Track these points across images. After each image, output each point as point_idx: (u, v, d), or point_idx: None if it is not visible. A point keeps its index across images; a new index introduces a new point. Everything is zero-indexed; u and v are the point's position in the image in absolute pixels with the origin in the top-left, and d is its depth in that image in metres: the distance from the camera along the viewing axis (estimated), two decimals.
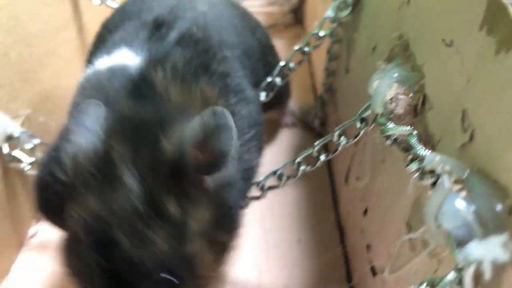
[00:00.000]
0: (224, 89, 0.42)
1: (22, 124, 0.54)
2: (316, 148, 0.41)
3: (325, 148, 0.42)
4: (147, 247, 0.32)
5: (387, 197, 0.39)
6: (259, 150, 0.45)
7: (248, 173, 0.43)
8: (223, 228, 0.37)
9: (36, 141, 0.54)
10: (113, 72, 0.42)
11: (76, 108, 0.39)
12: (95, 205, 0.33)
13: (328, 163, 0.65)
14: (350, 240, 0.52)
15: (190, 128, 0.33)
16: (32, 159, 0.53)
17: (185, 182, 0.33)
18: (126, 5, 0.56)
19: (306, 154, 0.41)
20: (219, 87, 0.42)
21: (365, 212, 0.45)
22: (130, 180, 0.33)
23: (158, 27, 0.47)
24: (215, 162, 0.33)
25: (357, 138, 0.38)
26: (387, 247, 0.38)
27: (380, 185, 0.41)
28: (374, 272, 0.42)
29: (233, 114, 0.35)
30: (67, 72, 0.66)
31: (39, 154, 0.54)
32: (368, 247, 0.44)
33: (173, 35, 0.45)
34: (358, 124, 0.38)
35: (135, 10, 0.52)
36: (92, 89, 0.42)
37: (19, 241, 0.57)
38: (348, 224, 0.54)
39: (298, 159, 0.42)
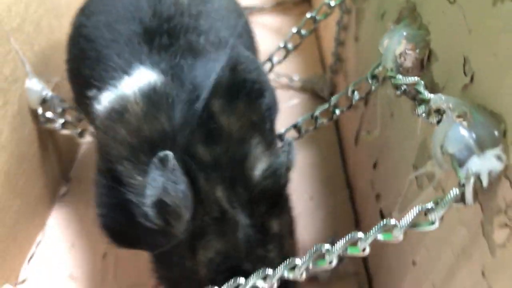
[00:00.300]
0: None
1: (53, 90, 0.58)
2: (333, 102, 0.45)
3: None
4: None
5: (396, 149, 0.44)
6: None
7: None
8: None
9: (65, 105, 0.58)
10: (150, 99, 0.38)
11: (118, 140, 0.37)
12: (221, 246, 0.36)
13: (337, 127, 0.69)
14: (360, 193, 0.57)
15: (276, 161, 0.37)
16: (62, 120, 0.57)
17: (279, 201, 0.39)
18: (99, 14, 0.47)
19: (323, 108, 0.46)
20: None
21: (375, 165, 0.49)
22: (241, 217, 0.36)
23: (153, 35, 0.42)
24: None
25: (369, 93, 0.42)
26: (396, 193, 0.42)
27: (389, 139, 0.45)
28: (382, 215, 0.46)
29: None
30: None
31: (68, 117, 0.58)
32: (378, 196, 0.48)
33: (181, 43, 0.41)
34: (370, 81, 0.42)
35: (113, 17, 0.45)
36: (134, 120, 0.37)
37: (51, 199, 0.62)
38: (358, 180, 0.58)
39: (316, 113, 0.46)
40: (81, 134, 0.60)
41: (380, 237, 0.28)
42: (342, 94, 0.44)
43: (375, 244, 0.28)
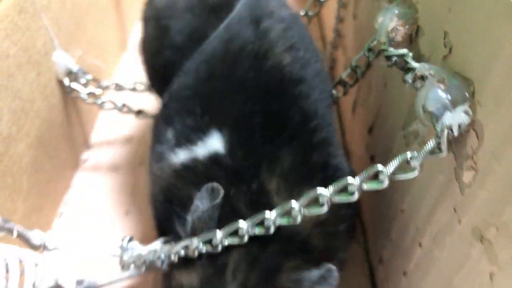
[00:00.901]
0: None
1: (76, 63, 0.63)
2: (345, 75, 0.51)
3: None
4: None
5: (388, 114, 0.49)
6: None
7: None
8: None
9: (89, 77, 0.63)
10: (213, 170, 0.42)
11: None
12: None
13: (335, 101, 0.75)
14: (356, 157, 0.63)
15: (307, 279, 0.37)
16: (87, 91, 0.63)
17: None
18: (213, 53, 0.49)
19: (336, 82, 0.52)
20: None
21: (370, 130, 0.55)
22: None
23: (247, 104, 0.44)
24: None
25: (369, 65, 0.48)
26: (388, 153, 0.48)
27: (382, 106, 0.51)
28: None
29: None
30: (107, 22, 0.75)
31: (91, 88, 0.64)
32: (372, 158, 0.54)
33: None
34: (367, 54, 0.48)
35: (221, 71, 0.47)
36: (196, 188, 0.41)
37: (75, 164, 0.68)
38: (354, 145, 0.64)
39: (343, 77, 0.52)
40: (102, 104, 0.65)
41: (367, 186, 0.34)
42: (353, 64, 0.49)
43: (369, 196, 0.34)
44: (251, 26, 0.48)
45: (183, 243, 0.39)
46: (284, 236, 0.39)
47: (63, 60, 0.60)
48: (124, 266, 0.44)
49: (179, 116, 0.47)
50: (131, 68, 0.82)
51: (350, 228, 0.45)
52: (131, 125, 0.72)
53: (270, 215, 0.36)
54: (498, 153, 0.28)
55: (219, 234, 0.38)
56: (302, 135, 0.43)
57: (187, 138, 0.45)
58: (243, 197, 0.41)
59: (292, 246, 0.40)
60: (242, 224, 0.37)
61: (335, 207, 0.35)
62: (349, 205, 0.38)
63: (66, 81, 0.61)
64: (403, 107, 0.44)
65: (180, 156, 0.45)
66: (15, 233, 0.40)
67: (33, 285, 0.38)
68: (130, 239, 0.45)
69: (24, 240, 0.41)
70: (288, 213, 0.36)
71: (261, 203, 0.40)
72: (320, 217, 0.38)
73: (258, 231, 0.37)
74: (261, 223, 0.37)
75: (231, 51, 0.47)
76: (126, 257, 0.44)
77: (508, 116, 0.26)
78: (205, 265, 0.39)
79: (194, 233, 0.39)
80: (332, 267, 0.37)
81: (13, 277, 0.36)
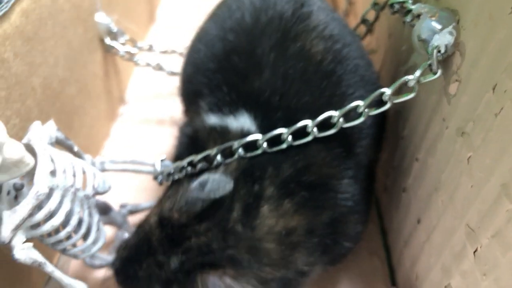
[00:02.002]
0: None
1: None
2: (355, 27, 0.58)
3: None
4: None
5: (392, 59, 0.57)
6: None
7: None
8: None
9: (126, 37, 0.71)
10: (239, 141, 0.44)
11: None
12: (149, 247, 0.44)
13: None
14: None
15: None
16: (125, 49, 0.71)
17: None
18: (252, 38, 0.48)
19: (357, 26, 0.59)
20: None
21: (378, 74, 0.62)
22: (175, 260, 0.43)
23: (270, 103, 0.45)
24: None
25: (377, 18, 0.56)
26: None
27: (387, 53, 0.58)
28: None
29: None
30: None
31: (129, 46, 0.71)
32: None
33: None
34: (373, 7, 0.55)
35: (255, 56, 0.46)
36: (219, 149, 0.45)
37: (112, 116, 0.76)
38: None
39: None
40: (137, 61, 0.73)
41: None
42: (364, 16, 0.57)
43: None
44: (292, 4, 0.48)
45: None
46: None
47: (104, 20, 0.68)
48: (156, 177, 0.52)
49: (208, 90, 0.50)
50: (159, 38, 0.90)
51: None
52: (163, 85, 0.80)
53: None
54: (475, 62, 0.35)
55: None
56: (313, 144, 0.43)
57: (219, 109, 0.48)
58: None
59: None
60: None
61: None
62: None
63: (107, 40, 0.69)
64: (404, 52, 0.51)
65: (212, 119, 0.49)
66: (75, 149, 0.48)
67: (93, 187, 0.45)
68: (163, 159, 0.53)
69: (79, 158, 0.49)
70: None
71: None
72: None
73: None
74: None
75: (260, 22, 0.48)
76: (158, 169, 0.52)
77: (481, 32, 0.34)
78: None
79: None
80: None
81: (78, 178, 0.44)
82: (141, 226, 0.47)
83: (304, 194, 0.43)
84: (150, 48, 0.75)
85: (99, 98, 0.69)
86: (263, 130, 0.44)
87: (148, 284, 0.44)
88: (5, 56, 0.45)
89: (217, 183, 0.42)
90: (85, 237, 0.45)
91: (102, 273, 0.55)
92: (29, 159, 0.38)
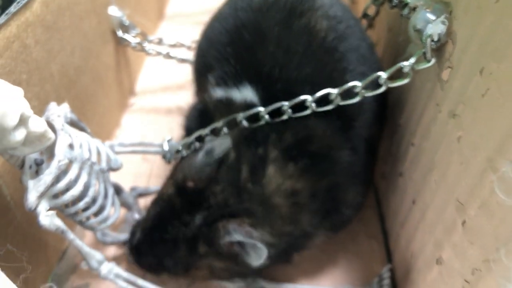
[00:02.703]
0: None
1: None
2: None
3: None
4: (174, 250, 0.49)
5: (392, 50, 0.59)
6: None
7: None
8: (230, 272, 0.52)
9: (137, 31, 0.74)
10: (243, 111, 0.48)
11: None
12: (179, 203, 0.49)
13: None
14: None
15: (234, 233, 0.45)
16: (137, 40, 0.74)
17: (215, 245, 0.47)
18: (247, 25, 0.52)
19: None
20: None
21: None
22: (199, 217, 0.47)
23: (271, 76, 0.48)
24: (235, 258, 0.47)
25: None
26: None
27: (386, 48, 0.61)
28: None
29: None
30: None
31: (139, 39, 0.75)
32: None
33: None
34: (374, 2, 0.58)
35: (256, 37, 0.50)
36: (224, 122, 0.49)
37: (123, 106, 0.79)
38: None
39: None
40: (148, 51, 0.76)
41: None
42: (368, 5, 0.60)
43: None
44: None
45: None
46: None
47: (117, 14, 0.71)
48: (165, 156, 0.55)
49: (217, 63, 0.53)
50: (168, 34, 0.93)
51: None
52: (171, 77, 0.83)
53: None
54: (465, 48, 0.38)
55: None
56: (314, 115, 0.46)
57: (225, 82, 0.51)
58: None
59: None
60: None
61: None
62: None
63: (119, 33, 0.72)
64: (401, 43, 0.54)
65: (218, 93, 0.52)
66: (87, 131, 0.51)
67: (107, 162, 0.49)
68: (170, 140, 0.56)
69: None
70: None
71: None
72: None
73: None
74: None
75: (268, 1, 0.51)
76: (166, 148, 0.55)
77: (471, 21, 0.37)
78: None
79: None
80: (263, 248, 0.44)
81: (93, 153, 0.47)
82: (157, 201, 0.51)
83: (307, 161, 0.46)
84: (160, 42, 0.78)
85: (111, 88, 0.72)
86: (264, 101, 0.47)
87: (174, 244, 0.48)
88: (27, 42, 0.48)
89: (219, 144, 0.47)
90: (101, 209, 0.48)
91: (113, 252, 0.58)
92: (50, 134, 0.41)
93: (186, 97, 0.69)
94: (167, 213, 0.49)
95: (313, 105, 0.45)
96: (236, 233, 0.44)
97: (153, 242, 0.50)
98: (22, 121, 0.37)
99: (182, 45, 0.78)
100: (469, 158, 0.36)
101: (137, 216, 0.58)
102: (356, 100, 0.44)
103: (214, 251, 0.47)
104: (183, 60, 0.76)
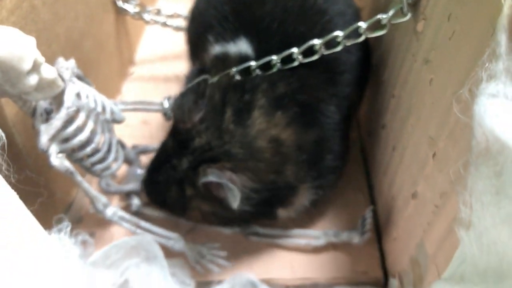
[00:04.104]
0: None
1: None
2: None
3: None
4: (167, 191, 0.55)
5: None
6: None
7: None
8: (218, 216, 0.57)
9: (136, 1, 0.78)
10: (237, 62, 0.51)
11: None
12: (170, 146, 0.54)
13: None
14: None
15: (212, 175, 0.48)
16: (137, 10, 0.77)
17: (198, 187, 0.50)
18: None
19: None
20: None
21: None
22: (185, 161, 0.51)
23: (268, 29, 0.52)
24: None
25: None
26: None
27: (371, 8, 0.65)
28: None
29: None
30: None
31: (138, 8, 0.78)
32: None
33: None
34: None
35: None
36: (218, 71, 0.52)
37: (123, 75, 0.83)
38: None
39: None
40: (148, 21, 0.80)
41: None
42: None
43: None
44: None
45: None
46: None
47: None
48: (165, 114, 0.59)
49: (216, 21, 0.56)
50: (165, 6, 0.96)
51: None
52: (169, 47, 0.87)
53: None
54: (436, 2, 0.42)
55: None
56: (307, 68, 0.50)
57: (223, 38, 0.55)
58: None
59: None
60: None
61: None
62: None
63: (120, 3, 0.76)
64: (384, 4, 0.58)
65: (216, 49, 0.56)
66: (93, 85, 0.55)
67: (111, 113, 0.53)
68: (170, 98, 0.60)
69: None
70: None
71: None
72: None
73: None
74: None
75: None
76: (166, 106, 0.59)
77: None
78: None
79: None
80: (236, 191, 0.47)
81: (99, 103, 0.51)
82: (160, 144, 0.56)
83: (297, 110, 0.50)
84: (158, 12, 0.81)
85: (111, 55, 0.76)
86: (259, 53, 0.51)
87: (166, 185, 0.53)
88: (35, 2, 0.51)
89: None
90: (105, 156, 0.52)
91: (116, 202, 0.62)
92: (60, 82, 0.45)
93: (184, 67, 0.73)
94: (162, 156, 0.54)
95: (300, 57, 0.49)
96: (214, 176, 0.48)
97: (152, 183, 0.55)
98: (35, 67, 0.41)
99: (179, 16, 0.82)
100: (439, 97, 0.40)
101: (139, 171, 0.62)
102: (338, 48, 0.47)
103: (199, 194, 0.51)
104: (179, 29, 0.80)
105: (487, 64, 0.30)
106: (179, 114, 0.51)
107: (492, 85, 0.29)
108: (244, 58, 0.51)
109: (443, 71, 0.40)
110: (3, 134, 0.36)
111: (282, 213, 0.55)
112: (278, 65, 0.49)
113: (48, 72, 0.43)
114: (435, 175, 0.40)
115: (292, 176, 0.51)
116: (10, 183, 0.37)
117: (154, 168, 0.55)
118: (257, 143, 0.49)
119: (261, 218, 0.56)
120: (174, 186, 0.52)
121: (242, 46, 0.52)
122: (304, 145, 0.50)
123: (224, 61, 0.53)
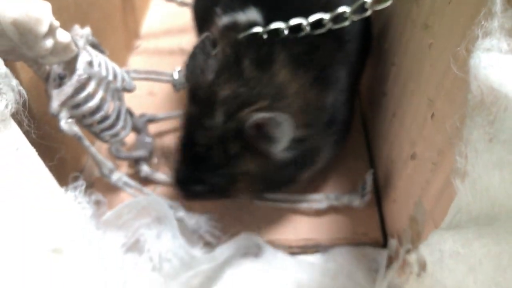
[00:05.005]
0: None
1: None
2: None
3: None
4: (209, 160, 0.50)
5: None
6: None
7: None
8: (265, 175, 0.52)
9: None
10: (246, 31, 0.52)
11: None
12: (195, 112, 0.51)
13: None
14: None
15: (258, 115, 0.46)
16: None
17: (244, 138, 0.48)
18: None
19: None
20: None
21: None
22: (219, 115, 0.49)
23: None
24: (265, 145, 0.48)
25: None
26: None
27: None
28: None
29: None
30: None
31: None
32: None
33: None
34: None
35: None
36: (228, 42, 0.52)
37: (129, 48, 0.84)
38: None
39: None
40: None
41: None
42: None
43: None
44: None
45: None
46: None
47: None
48: (175, 85, 0.61)
49: None
50: None
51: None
52: (173, 21, 0.88)
53: None
54: None
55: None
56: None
57: (232, 8, 0.55)
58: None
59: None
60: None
61: None
62: None
63: None
64: None
65: (224, 20, 0.56)
66: (106, 53, 0.57)
67: (121, 82, 0.55)
68: (180, 70, 0.62)
69: None
70: None
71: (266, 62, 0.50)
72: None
73: None
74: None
75: None
76: (176, 78, 0.60)
77: None
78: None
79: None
80: (284, 116, 0.45)
81: (110, 73, 0.53)
82: (180, 126, 0.55)
83: (316, 71, 0.51)
84: None
85: (118, 28, 0.77)
86: (268, 21, 0.52)
87: (208, 156, 0.50)
88: None
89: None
90: (114, 123, 0.54)
91: (125, 169, 0.65)
92: (74, 47, 0.46)
93: (189, 40, 0.75)
94: (191, 127, 0.51)
95: (308, 28, 0.50)
96: (259, 115, 0.46)
97: (191, 163, 0.52)
98: (51, 31, 0.43)
99: None
100: (437, 59, 0.42)
101: (147, 138, 0.65)
102: (346, 23, 0.49)
103: (245, 146, 0.49)
104: (184, 3, 0.81)
105: (483, 22, 0.32)
106: (194, 76, 0.51)
107: (487, 41, 0.31)
108: (253, 26, 0.52)
109: (442, 35, 0.41)
110: (24, 92, 0.38)
111: (303, 175, 0.56)
112: (286, 32, 0.50)
113: (63, 36, 0.44)
114: (433, 135, 0.42)
115: (317, 136, 0.52)
116: (30, 139, 0.39)
117: (185, 147, 0.52)
118: (286, 89, 0.49)
119: (292, 182, 0.56)
120: (216, 149, 0.49)
121: (251, 14, 0.53)
122: (324, 106, 0.52)
123: (234, 29, 0.54)
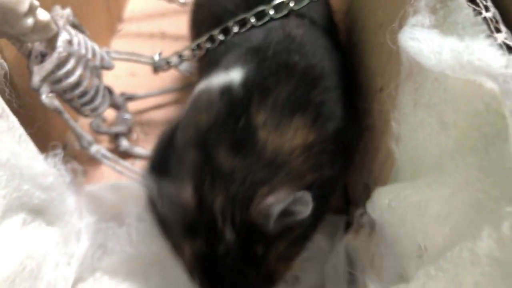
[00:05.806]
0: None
1: None
2: None
3: None
4: (242, 281, 0.41)
5: None
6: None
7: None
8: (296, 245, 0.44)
9: None
10: (222, 96, 0.46)
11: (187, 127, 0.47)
12: (202, 247, 0.41)
13: None
14: None
15: (276, 204, 0.39)
16: None
17: (267, 234, 0.40)
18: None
19: None
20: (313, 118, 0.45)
21: None
22: (229, 233, 0.40)
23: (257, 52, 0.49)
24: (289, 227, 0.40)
25: None
26: None
27: None
28: None
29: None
30: None
31: None
32: None
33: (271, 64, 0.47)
34: None
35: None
36: (203, 112, 0.46)
37: (111, 31, 0.88)
38: None
39: None
40: None
41: None
42: None
43: None
44: None
45: None
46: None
47: None
48: (156, 68, 0.65)
49: None
50: None
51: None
52: (157, 6, 0.92)
53: None
54: None
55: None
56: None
57: None
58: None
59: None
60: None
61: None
62: None
63: None
64: None
65: None
66: (87, 33, 0.61)
67: (100, 60, 0.58)
68: (160, 53, 0.65)
69: None
70: None
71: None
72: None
73: None
74: None
75: None
76: (156, 59, 0.64)
77: None
78: None
79: None
80: (305, 193, 0.38)
81: (89, 51, 0.57)
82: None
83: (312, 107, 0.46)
84: None
85: (100, 11, 0.81)
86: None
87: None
88: None
89: None
90: (93, 98, 0.58)
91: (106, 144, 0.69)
92: (53, 26, 0.50)
93: (170, 24, 0.78)
94: (207, 265, 0.42)
95: (271, 11, 0.54)
96: (276, 201, 0.40)
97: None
98: (31, 10, 0.47)
99: None
100: (384, 36, 0.46)
101: (126, 115, 0.68)
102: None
103: (269, 241, 0.41)
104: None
105: (413, 1, 0.36)
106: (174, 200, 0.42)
107: (415, 18, 0.36)
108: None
109: (387, 15, 0.46)
110: (5, 64, 0.41)
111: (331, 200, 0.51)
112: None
113: (42, 15, 0.48)
114: (381, 106, 0.47)
115: (330, 167, 0.46)
116: (12, 108, 0.43)
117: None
118: (278, 159, 0.42)
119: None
120: (245, 270, 0.41)
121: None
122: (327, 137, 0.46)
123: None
